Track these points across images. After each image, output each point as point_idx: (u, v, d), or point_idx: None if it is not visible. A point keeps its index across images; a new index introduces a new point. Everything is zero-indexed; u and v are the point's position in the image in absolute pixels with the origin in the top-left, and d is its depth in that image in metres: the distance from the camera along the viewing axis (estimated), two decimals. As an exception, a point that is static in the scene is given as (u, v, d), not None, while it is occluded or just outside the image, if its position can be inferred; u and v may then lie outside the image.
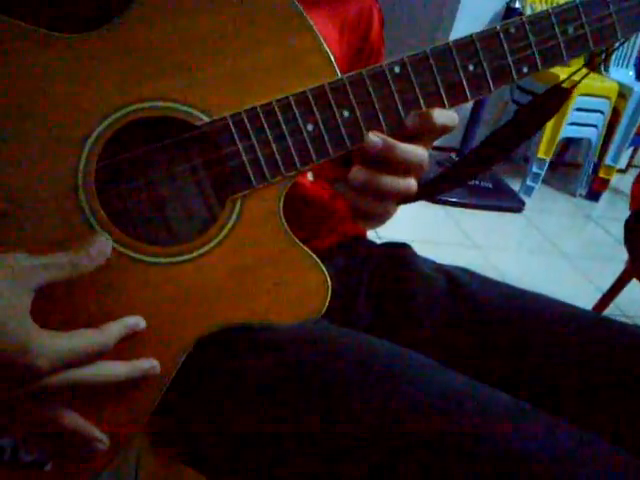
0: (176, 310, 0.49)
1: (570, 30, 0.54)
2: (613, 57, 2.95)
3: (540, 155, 2.80)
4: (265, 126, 0.48)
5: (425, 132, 0.52)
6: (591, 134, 2.85)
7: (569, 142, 3.32)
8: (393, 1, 2.55)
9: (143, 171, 0.51)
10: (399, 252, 0.71)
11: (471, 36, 0.52)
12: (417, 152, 0.51)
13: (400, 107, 0.52)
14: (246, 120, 0.48)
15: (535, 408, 0.45)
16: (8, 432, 0.45)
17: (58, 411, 0.44)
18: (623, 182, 3.27)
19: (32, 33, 0.44)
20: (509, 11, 2.61)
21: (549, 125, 2.78)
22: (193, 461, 0.57)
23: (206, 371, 0.52)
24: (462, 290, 0.65)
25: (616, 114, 2.87)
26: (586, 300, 1.78)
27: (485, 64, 0.53)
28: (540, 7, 2.81)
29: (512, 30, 0.53)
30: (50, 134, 0.45)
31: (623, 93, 2.84)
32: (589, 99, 2.72)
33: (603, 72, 2.97)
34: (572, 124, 2.76)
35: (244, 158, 0.48)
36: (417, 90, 0.52)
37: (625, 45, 2.93)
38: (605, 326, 0.59)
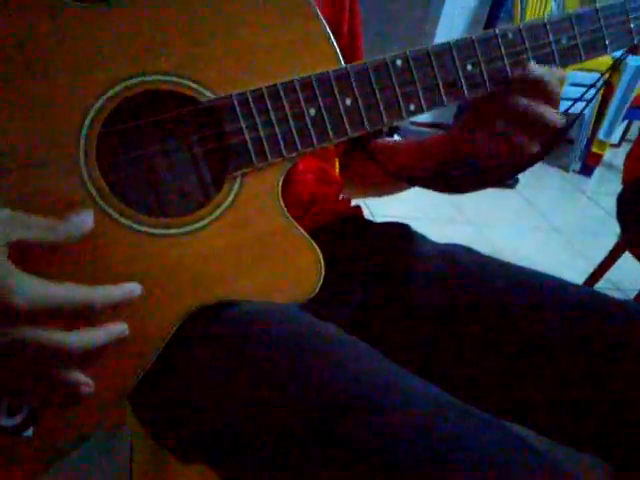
0: (171, 282, 0.48)
1: (564, 40, 0.57)
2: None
3: (534, 130, 2.80)
4: (269, 107, 0.49)
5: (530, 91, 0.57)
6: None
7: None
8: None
9: (142, 143, 0.51)
10: (396, 231, 0.72)
11: (471, 37, 0.54)
12: (557, 73, 0.58)
13: (400, 99, 0.53)
14: (251, 100, 0.49)
15: (465, 405, 0.41)
16: None
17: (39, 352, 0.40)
18: (617, 157, 3.29)
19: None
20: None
21: (543, 100, 2.78)
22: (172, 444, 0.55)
23: (183, 348, 0.51)
24: (460, 270, 0.64)
25: (609, 88, 2.87)
26: (578, 274, 1.81)
27: (483, 65, 0.55)
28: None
29: (510, 35, 0.55)
30: (57, 96, 0.45)
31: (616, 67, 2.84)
32: (582, 73, 2.71)
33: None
34: (565, 99, 2.75)
35: (246, 136, 0.49)
36: (417, 84, 0.53)
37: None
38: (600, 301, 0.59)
